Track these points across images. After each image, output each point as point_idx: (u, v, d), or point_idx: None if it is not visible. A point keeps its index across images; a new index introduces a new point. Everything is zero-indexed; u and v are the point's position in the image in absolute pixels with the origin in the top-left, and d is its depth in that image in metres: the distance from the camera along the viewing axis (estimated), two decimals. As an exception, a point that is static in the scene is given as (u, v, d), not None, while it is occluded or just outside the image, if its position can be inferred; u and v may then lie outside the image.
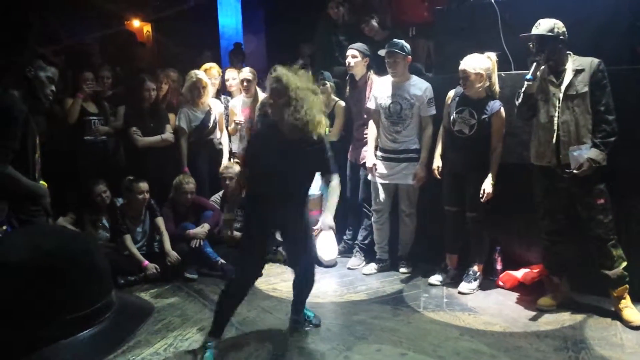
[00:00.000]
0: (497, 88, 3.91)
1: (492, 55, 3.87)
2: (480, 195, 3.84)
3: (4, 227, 2.86)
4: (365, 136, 4.55)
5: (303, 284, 3.36)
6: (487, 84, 3.85)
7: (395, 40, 4.26)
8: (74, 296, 0.96)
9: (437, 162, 4.13)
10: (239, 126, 5.25)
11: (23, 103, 2.94)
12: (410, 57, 4.26)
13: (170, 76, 5.46)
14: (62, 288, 0.95)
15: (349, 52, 4.60)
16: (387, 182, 4.38)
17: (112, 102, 5.16)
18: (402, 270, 4.47)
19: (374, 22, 5.20)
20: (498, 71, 3.96)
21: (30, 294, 0.92)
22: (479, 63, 3.80)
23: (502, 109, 3.86)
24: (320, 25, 5.76)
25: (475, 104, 3.88)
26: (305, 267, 3.28)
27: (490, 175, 3.85)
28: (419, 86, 4.28)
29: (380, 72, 4.54)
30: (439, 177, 4.12)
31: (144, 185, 4.52)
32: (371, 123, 4.45)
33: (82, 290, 0.98)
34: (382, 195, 4.43)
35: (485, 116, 3.84)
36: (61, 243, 1.01)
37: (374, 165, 4.37)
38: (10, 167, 2.86)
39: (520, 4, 4.16)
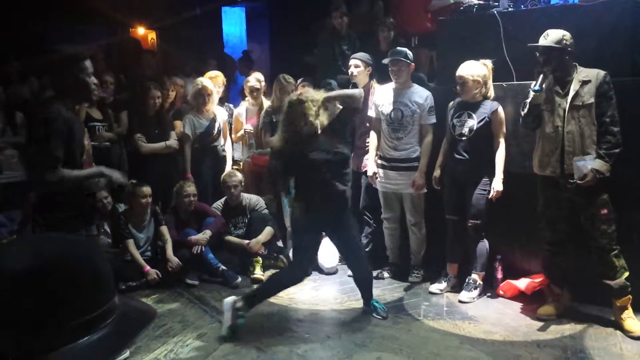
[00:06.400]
0: (492, 93, 3.99)
1: (488, 62, 3.95)
2: (491, 195, 3.88)
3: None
4: (367, 144, 4.56)
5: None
6: (484, 90, 3.94)
7: (398, 48, 4.31)
8: (76, 302, 0.95)
9: (437, 172, 4.16)
10: (247, 134, 5.25)
11: (67, 111, 3.03)
12: (413, 64, 4.31)
13: (176, 83, 5.50)
14: (63, 294, 0.94)
15: (352, 62, 4.63)
16: (391, 190, 4.39)
17: (115, 109, 5.19)
18: (412, 279, 4.44)
19: (390, 31, 5.34)
20: (500, 81, 4.03)
21: (30, 302, 0.91)
22: (476, 70, 3.88)
23: (500, 108, 3.93)
24: (323, 35, 5.83)
25: (473, 107, 3.96)
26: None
27: (498, 174, 3.88)
28: (421, 94, 4.31)
29: (383, 80, 4.57)
30: (437, 187, 4.15)
31: (146, 190, 4.54)
32: (372, 132, 4.47)
33: (84, 296, 0.97)
34: (387, 204, 4.46)
35: (484, 116, 3.91)
36: (62, 249, 1.00)
37: (375, 173, 4.39)
38: (61, 170, 2.95)
39: (522, 15, 4.19)
